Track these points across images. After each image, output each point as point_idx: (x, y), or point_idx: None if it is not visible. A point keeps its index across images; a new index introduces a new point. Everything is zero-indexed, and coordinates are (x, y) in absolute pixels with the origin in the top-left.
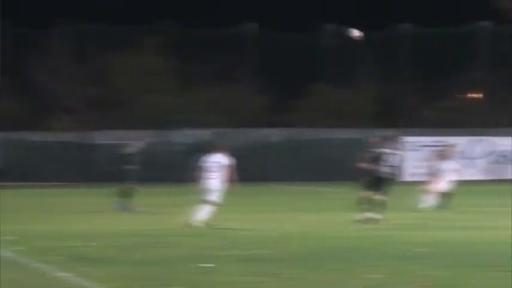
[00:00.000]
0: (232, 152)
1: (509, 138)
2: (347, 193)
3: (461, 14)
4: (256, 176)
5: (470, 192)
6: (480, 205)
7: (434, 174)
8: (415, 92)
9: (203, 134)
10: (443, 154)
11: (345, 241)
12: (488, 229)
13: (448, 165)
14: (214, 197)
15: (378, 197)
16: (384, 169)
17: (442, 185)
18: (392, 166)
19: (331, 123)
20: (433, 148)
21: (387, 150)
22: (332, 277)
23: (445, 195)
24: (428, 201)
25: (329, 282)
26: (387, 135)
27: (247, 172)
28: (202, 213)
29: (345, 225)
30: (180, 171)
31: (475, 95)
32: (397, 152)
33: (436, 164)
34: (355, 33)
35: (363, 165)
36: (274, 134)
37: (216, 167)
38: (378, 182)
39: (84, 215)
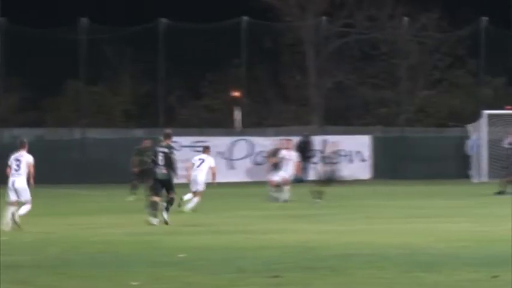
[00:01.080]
0: None
1: (271, 138)
2: (103, 196)
3: (222, 9)
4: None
5: (233, 194)
6: (246, 208)
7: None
8: (174, 90)
9: None
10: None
11: (108, 246)
12: (254, 233)
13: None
14: None
15: (156, 199)
16: (159, 170)
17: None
18: (166, 166)
19: (87, 123)
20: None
21: (161, 150)
22: (89, 284)
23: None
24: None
25: None
26: (166, 133)
27: None
28: None
29: (106, 229)
30: None
31: (236, 94)
32: (171, 151)
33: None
34: None
35: (135, 169)
36: (24, 134)
37: None
38: (157, 184)
39: None
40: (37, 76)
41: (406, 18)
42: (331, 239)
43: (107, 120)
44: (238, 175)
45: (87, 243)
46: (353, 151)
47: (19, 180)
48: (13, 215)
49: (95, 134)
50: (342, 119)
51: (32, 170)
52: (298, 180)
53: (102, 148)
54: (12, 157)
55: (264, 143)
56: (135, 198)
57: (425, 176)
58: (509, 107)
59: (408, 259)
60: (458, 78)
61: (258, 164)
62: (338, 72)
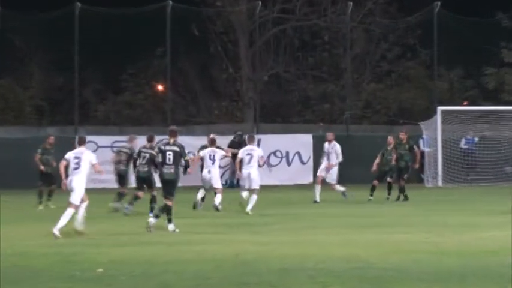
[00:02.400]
0: None
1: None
2: (12, 202)
3: None
4: None
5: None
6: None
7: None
8: (90, 83)
9: None
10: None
11: (21, 259)
12: (180, 244)
13: None
14: None
15: (169, 202)
16: (167, 170)
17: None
18: (175, 166)
19: None
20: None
21: (170, 149)
22: None
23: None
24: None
25: None
26: (173, 130)
27: None
28: None
29: (19, 240)
30: None
31: (160, 87)
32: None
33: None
34: None
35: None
36: None
37: None
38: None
39: None
40: None
41: (350, 3)
42: (268, 251)
43: (16, 117)
44: None
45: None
46: (291, 152)
47: (76, 179)
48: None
49: (1, 132)
50: (279, 116)
51: (98, 169)
52: (230, 185)
53: (10, 148)
54: (71, 153)
55: (193, 142)
56: (44, 206)
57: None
58: (466, 102)
59: (356, 273)
60: (409, 70)
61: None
62: (274, 63)
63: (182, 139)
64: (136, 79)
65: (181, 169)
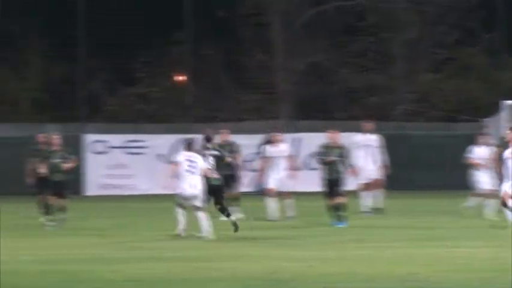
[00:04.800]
0: None
1: None
2: (7, 211)
3: None
4: None
5: None
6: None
7: None
8: (98, 73)
9: None
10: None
11: (13, 278)
12: (205, 260)
13: None
14: None
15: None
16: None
17: None
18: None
19: None
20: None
21: (211, 153)
22: None
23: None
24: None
25: None
26: (209, 135)
27: None
28: None
29: (12, 255)
30: None
31: (179, 78)
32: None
33: None
34: None
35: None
36: None
37: None
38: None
39: None
40: None
41: None
42: (308, 269)
43: (12, 112)
44: None
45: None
46: None
47: (198, 182)
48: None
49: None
50: (319, 112)
51: (208, 174)
52: (260, 190)
53: (5, 149)
54: (183, 155)
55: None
56: (47, 218)
57: (431, 185)
58: None
59: None
60: (470, 58)
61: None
62: (313, 50)
63: None
64: (151, 68)
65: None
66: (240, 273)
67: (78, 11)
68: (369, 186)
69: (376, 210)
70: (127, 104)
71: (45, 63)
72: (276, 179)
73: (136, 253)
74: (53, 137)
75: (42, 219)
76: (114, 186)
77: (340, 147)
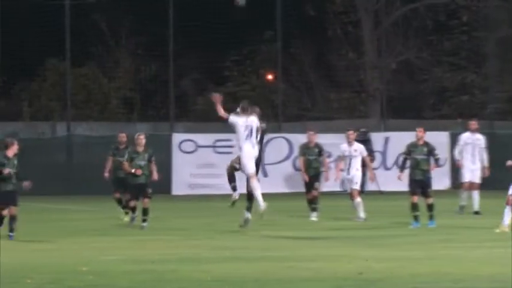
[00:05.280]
0: None
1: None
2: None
3: None
4: None
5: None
6: (286, 228)
7: None
8: (188, 72)
9: None
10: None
11: (101, 278)
12: (294, 260)
13: None
14: None
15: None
16: None
17: None
18: None
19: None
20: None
21: None
22: None
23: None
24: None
25: None
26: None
27: None
28: None
29: (100, 256)
30: None
31: (269, 77)
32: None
33: None
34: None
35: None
36: None
37: None
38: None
39: None
40: (7, 54)
41: None
42: (396, 269)
43: (100, 111)
44: (273, 184)
45: (75, 273)
46: None
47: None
48: None
49: (84, 130)
50: (409, 111)
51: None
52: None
53: (95, 149)
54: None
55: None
56: (129, 217)
57: None
58: None
59: None
60: None
61: (299, 169)
62: (404, 48)
63: (294, 137)
64: (241, 67)
65: None
66: (328, 273)
67: (168, 9)
68: (471, 186)
69: (475, 213)
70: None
71: (135, 62)
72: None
73: (223, 253)
74: (139, 137)
75: (126, 218)
76: (202, 186)
77: (426, 145)
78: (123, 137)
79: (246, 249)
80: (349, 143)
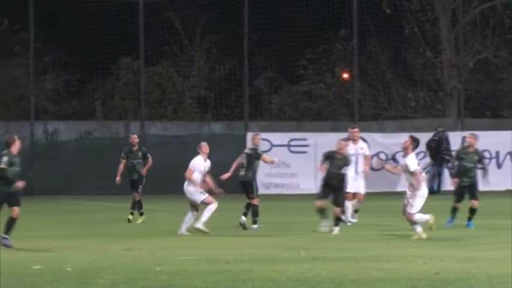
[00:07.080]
0: None
1: (392, 135)
2: (169, 211)
3: None
4: None
5: None
6: (362, 227)
7: None
8: (263, 70)
9: None
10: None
11: (176, 278)
12: (370, 261)
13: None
14: None
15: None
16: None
17: None
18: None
19: (148, 115)
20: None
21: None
22: None
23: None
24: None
25: None
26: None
27: None
28: None
29: (175, 255)
30: None
31: (345, 76)
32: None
33: None
34: None
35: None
36: (65, 129)
37: None
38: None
39: None
40: (80, 53)
41: None
42: (474, 270)
43: (174, 110)
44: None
45: (149, 273)
46: (502, 152)
47: None
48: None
49: (158, 129)
50: (488, 110)
51: None
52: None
53: (168, 148)
54: None
55: (384, 141)
56: (143, 219)
57: None
58: None
59: None
60: None
61: (374, 169)
62: (482, 47)
63: (370, 136)
64: (316, 66)
65: None
66: (403, 274)
67: (243, 7)
68: None
69: None
70: (291, 102)
71: (209, 60)
72: None
73: (297, 253)
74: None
75: (140, 220)
76: (276, 185)
77: (476, 153)
78: (135, 138)
79: (320, 250)
80: (354, 141)
